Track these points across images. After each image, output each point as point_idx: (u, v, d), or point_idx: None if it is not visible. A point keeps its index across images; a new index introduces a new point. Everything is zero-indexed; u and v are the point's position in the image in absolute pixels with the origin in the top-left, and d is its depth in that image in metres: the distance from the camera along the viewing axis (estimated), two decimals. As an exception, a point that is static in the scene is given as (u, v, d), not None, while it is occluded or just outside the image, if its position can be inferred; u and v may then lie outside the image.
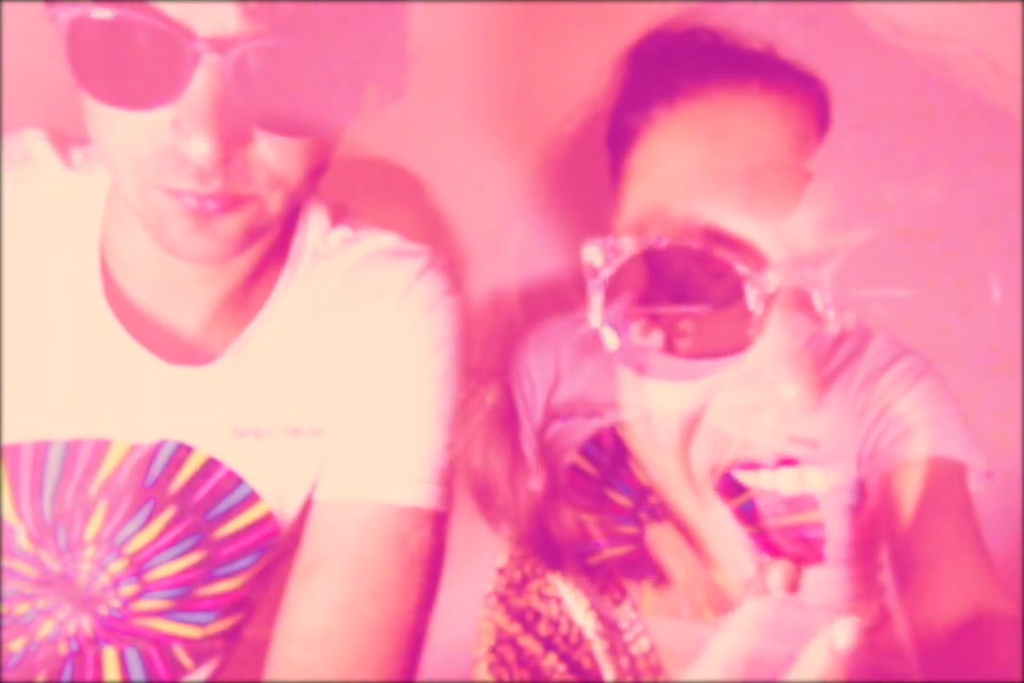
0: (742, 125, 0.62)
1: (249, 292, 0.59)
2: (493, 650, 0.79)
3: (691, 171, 0.63)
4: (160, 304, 0.58)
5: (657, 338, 0.71)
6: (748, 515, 0.73)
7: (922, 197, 0.65)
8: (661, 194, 0.63)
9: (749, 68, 0.65)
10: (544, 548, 0.82)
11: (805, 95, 0.67)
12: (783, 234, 0.60)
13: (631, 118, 0.66)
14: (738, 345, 0.74)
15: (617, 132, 0.68)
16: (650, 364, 0.77)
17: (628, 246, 0.62)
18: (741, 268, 0.59)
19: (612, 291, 0.64)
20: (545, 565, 0.81)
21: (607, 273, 0.63)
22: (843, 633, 0.40)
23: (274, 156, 0.48)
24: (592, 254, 0.63)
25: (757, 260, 0.60)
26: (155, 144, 0.46)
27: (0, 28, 0.69)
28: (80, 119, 0.49)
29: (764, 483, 0.72)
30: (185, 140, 0.44)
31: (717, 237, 0.61)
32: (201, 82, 0.44)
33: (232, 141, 0.45)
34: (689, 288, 0.70)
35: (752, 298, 0.60)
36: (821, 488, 0.72)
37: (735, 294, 0.64)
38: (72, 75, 0.45)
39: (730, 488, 0.73)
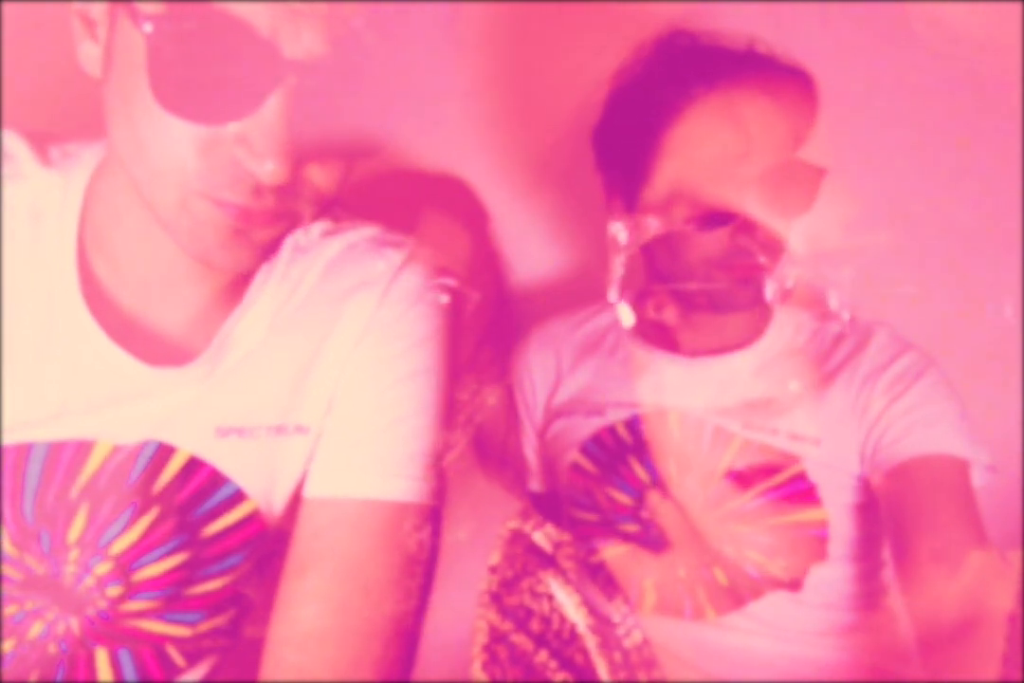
0: (767, 118, 0.64)
1: (233, 289, 0.59)
2: (486, 648, 0.79)
3: (726, 156, 0.63)
4: (145, 303, 0.57)
5: (671, 314, 0.71)
6: (752, 513, 0.73)
7: (941, 202, 0.65)
8: (694, 174, 0.64)
9: (772, 67, 0.66)
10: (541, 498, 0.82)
11: (812, 92, 0.68)
12: (807, 229, 0.60)
13: (670, 95, 0.66)
14: (744, 341, 0.74)
15: (654, 107, 0.68)
16: (654, 363, 0.77)
17: (653, 226, 0.62)
18: (762, 259, 0.59)
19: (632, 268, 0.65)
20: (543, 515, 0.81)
21: (630, 251, 0.63)
22: None
23: (322, 176, 0.49)
24: (618, 231, 0.63)
25: (779, 252, 0.60)
26: (213, 157, 0.46)
27: (0, 28, 0.69)
28: (67, 117, 0.48)
29: (766, 481, 0.72)
30: (256, 160, 0.45)
31: (742, 225, 0.61)
32: (278, 103, 0.44)
33: (294, 162, 0.46)
34: (708, 274, 0.70)
35: (770, 291, 0.60)
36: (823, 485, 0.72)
37: (753, 285, 0.64)
38: (148, 83, 0.44)
39: (734, 486, 0.72)
